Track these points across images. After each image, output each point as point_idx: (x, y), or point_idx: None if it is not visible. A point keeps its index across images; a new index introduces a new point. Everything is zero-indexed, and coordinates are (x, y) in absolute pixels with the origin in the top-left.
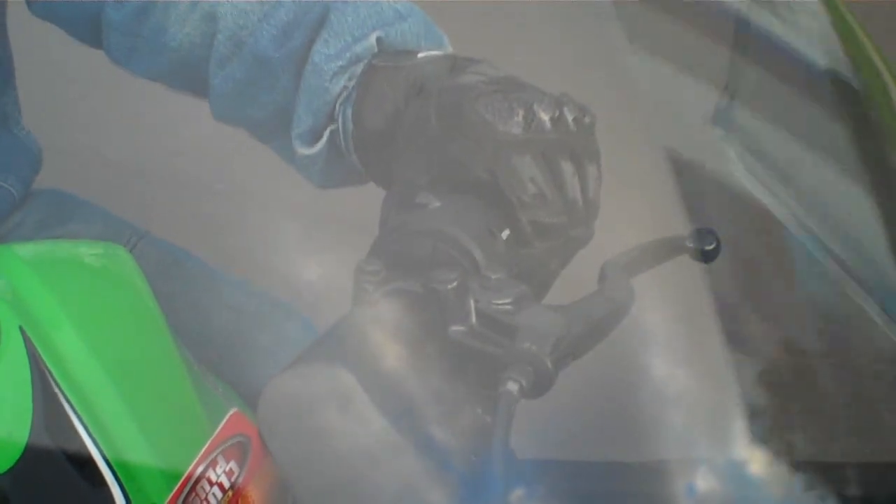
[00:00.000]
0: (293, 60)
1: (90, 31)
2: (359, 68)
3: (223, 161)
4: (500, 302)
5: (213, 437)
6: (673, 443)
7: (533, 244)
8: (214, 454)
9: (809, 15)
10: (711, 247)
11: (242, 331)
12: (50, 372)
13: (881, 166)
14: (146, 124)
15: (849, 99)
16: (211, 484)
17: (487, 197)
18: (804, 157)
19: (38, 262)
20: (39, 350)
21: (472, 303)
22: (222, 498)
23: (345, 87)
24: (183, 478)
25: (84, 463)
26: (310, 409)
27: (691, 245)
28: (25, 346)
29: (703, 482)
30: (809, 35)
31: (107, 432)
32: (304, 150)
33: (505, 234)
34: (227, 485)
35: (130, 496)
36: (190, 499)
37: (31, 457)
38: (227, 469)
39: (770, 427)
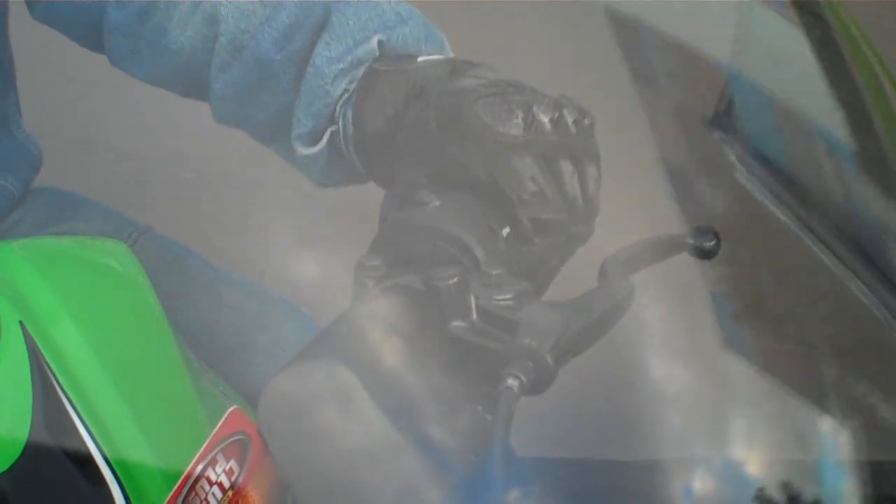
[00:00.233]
0: (294, 63)
1: (91, 34)
2: (360, 71)
3: (223, 160)
4: (500, 298)
5: (212, 434)
6: (672, 441)
7: (533, 241)
8: (214, 452)
9: (809, 15)
10: (711, 244)
11: (243, 329)
12: (50, 368)
13: (881, 166)
14: (146, 124)
15: (848, 100)
16: (211, 483)
17: (487, 196)
18: (804, 158)
19: (37, 257)
20: (39, 346)
21: (472, 299)
22: (222, 498)
23: (345, 90)
24: (182, 477)
25: (83, 461)
26: (309, 408)
27: (691, 242)
28: (25, 341)
29: (701, 481)
30: (809, 35)
31: (106, 430)
32: (304, 151)
33: (505, 231)
34: (227, 484)
35: (130, 495)
36: (190, 498)
37: (31, 455)
38: (227, 468)
39: (769, 426)
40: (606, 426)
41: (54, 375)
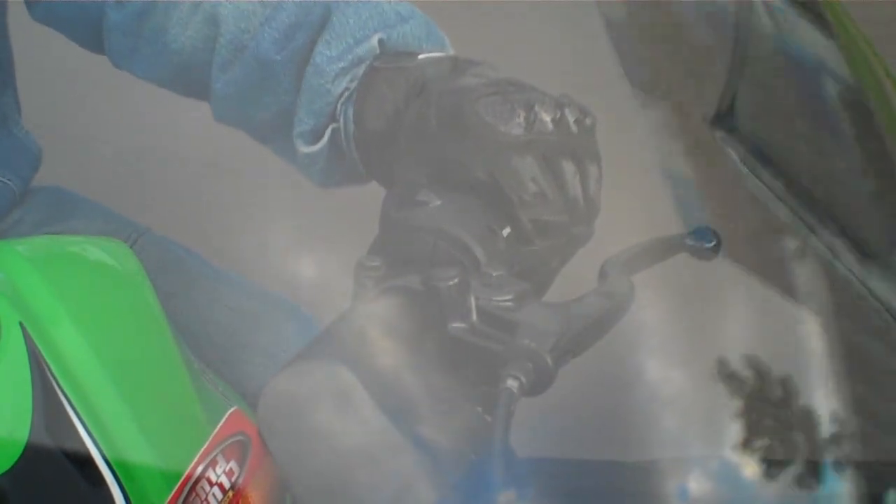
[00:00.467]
0: (295, 62)
1: (91, 34)
2: (360, 70)
3: (223, 161)
4: (500, 299)
5: (212, 435)
6: (672, 442)
7: (534, 242)
8: (214, 453)
9: (809, 15)
10: (711, 244)
11: (243, 329)
12: (50, 369)
13: (882, 166)
14: (146, 124)
15: (849, 100)
16: (211, 484)
17: (488, 196)
18: (804, 157)
19: (37, 257)
20: (39, 346)
21: (472, 300)
22: (223, 498)
23: (346, 88)
24: (183, 477)
25: (83, 462)
26: (309, 408)
27: (691, 243)
28: (25, 341)
29: (700, 482)
30: (809, 35)
31: (106, 431)
32: (305, 149)
33: (506, 232)
34: (227, 485)
35: (130, 496)
36: (190, 499)
37: (31, 456)
38: (228, 469)
39: (769, 426)
40: (606, 427)
41: (54, 376)
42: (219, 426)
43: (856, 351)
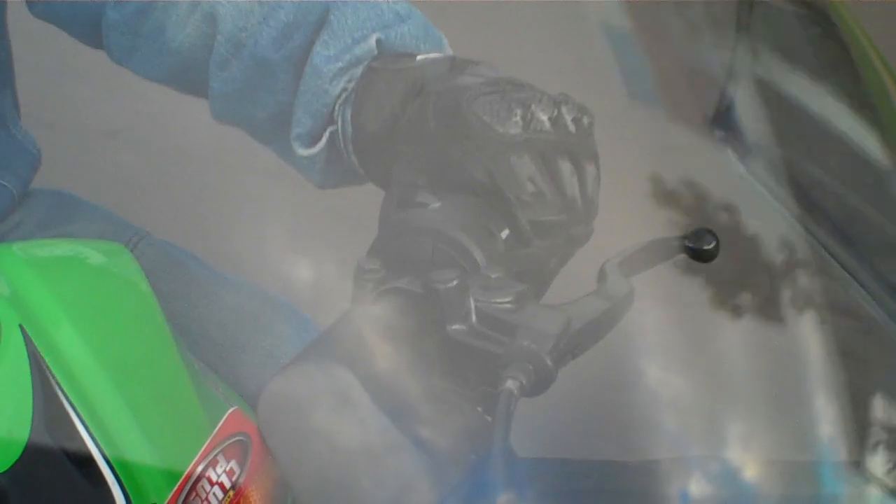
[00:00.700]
0: (292, 61)
1: (91, 32)
2: (358, 70)
3: (222, 161)
4: (499, 301)
5: (212, 435)
6: (671, 442)
7: (532, 243)
8: (214, 453)
9: (810, 14)
10: (710, 246)
11: (243, 331)
12: (50, 370)
13: (882, 166)
14: (146, 125)
15: (850, 99)
16: (211, 484)
17: (486, 197)
18: (805, 157)
19: (37, 260)
20: (39, 348)
21: (471, 302)
22: (223, 498)
23: (344, 89)
24: (183, 477)
25: (84, 462)
26: (309, 408)
27: (690, 245)
28: (25, 344)
29: (700, 482)
30: (809, 35)
31: (107, 431)
32: (303, 151)
33: (504, 233)
34: (227, 485)
35: (130, 496)
36: (190, 498)
37: (32, 456)
38: (228, 469)
39: (769, 426)
40: (606, 427)
41: (54, 378)
42: (219, 426)
43: (854, 354)
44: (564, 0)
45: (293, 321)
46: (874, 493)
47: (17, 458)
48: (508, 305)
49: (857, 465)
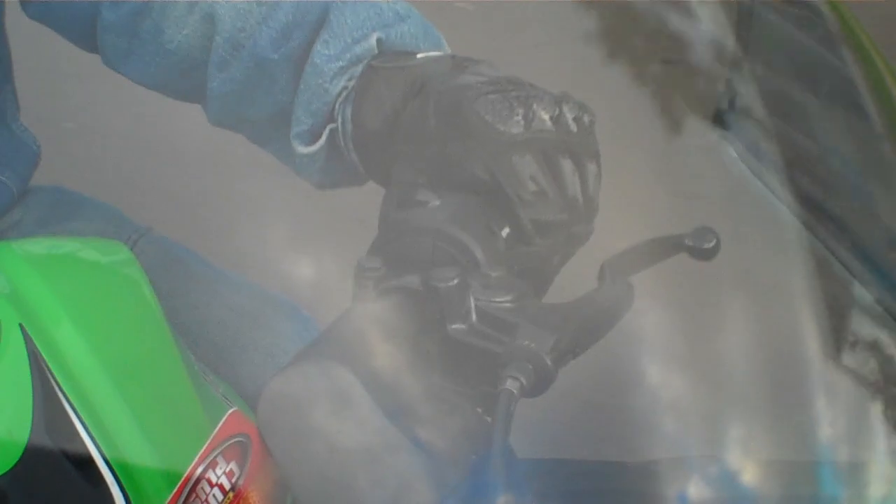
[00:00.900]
0: (292, 61)
1: (85, 33)
2: (358, 69)
3: (223, 159)
4: (500, 300)
5: (212, 436)
6: (671, 442)
7: (533, 242)
8: (214, 454)
9: (810, 14)
10: (711, 245)
11: (243, 329)
12: (50, 370)
13: (882, 166)
14: (146, 124)
15: (849, 99)
16: (211, 485)
17: (487, 195)
18: (805, 157)
19: (37, 258)
20: (39, 347)
21: (472, 301)
22: (223, 499)
23: (344, 88)
24: (183, 478)
25: (84, 463)
26: (309, 408)
27: (691, 243)
28: (25, 343)
29: (700, 482)
30: (810, 35)
31: (107, 432)
32: (303, 149)
33: (505, 232)
34: (227, 486)
35: (130, 496)
36: (190, 500)
37: (31, 457)
38: (228, 470)
39: (769, 427)
40: (606, 427)
41: (54, 377)
42: (218, 427)
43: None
44: (564, 0)
45: (293, 320)
46: (874, 493)
47: (17, 458)
48: (509, 304)
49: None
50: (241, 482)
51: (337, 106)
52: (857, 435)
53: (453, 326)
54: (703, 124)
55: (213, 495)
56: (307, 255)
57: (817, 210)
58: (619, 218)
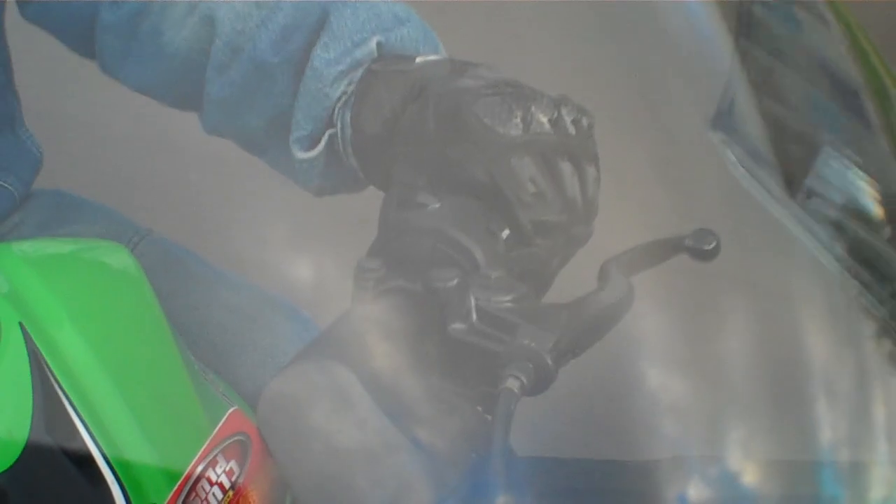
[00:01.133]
0: (292, 64)
1: (83, 36)
2: (358, 73)
3: (223, 160)
4: (500, 300)
5: (212, 435)
6: (671, 442)
7: (533, 243)
8: (214, 453)
9: (810, 16)
10: (711, 246)
11: (243, 330)
12: (50, 369)
13: (882, 167)
14: (147, 124)
15: (849, 100)
16: (211, 484)
17: (487, 197)
18: (804, 158)
19: (37, 259)
20: (39, 347)
21: (472, 300)
22: (223, 498)
23: (344, 92)
24: (183, 477)
25: (84, 462)
26: (309, 408)
27: (691, 244)
28: (25, 342)
29: (700, 482)
30: (810, 36)
31: (106, 431)
32: (302, 155)
33: (505, 233)
34: (227, 485)
35: (130, 495)
36: (190, 498)
37: (31, 455)
38: (228, 469)
39: (769, 427)
40: (606, 427)
41: (54, 377)
42: (219, 426)
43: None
44: (564, 1)
45: (293, 321)
46: (875, 495)
47: (16, 457)
48: (509, 304)
49: None
50: (240, 481)
51: (336, 111)
52: (858, 436)
53: (453, 326)
54: (702, 126)
55: (213, 494)
56: (307, 255)
57: (817, 209)
58: (618, 219)
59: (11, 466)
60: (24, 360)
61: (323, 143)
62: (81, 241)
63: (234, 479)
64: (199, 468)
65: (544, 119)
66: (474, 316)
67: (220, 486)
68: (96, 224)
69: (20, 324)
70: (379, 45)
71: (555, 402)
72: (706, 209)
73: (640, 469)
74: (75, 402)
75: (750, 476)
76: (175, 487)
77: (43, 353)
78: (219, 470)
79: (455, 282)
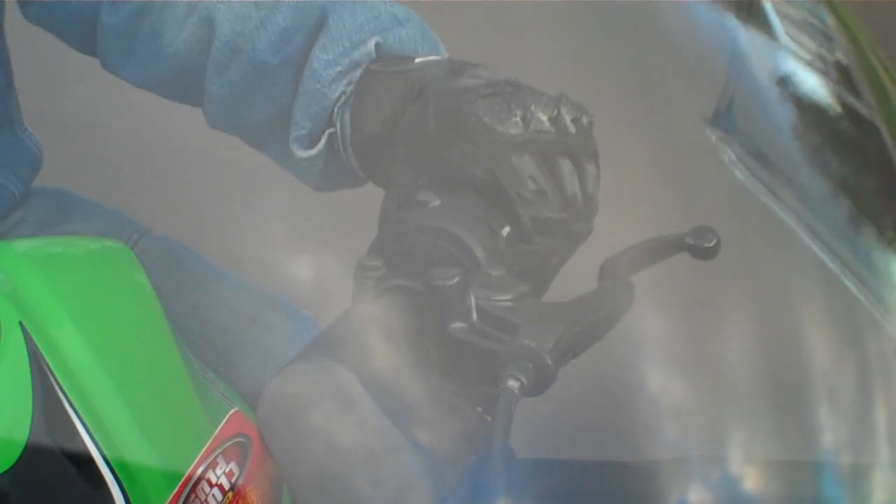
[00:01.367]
0: (291, 65)
1: (85, 36)
2: (357, 74)
3: (223, 158)
4: (500, 299)
5: (212, 437)
6: (672, 443)
7: (533, 240)
8: (214, 455)
9: (810, 15)
10: (711, 244)
11: (243, 329)
12: (50, 369)
13: (881, 166)
14: (147, 123)
15: (850, 99)
16: (211, 485)
17: (487, 195)
18: (804, 158)
19: (38, 258)
20: (39, 346)
21: (472, 300)
22: (222, 500)
23: (343, 93)
24: (183, 479)
25: (84, 463)
26: (309, 408)
27: (691, 242)
28: (25, 342)
29: (700, 483)
30: (810, 35)
31: (106, 432)
32: (302, 153)
33: (505, 231)
34: (227, 486)
35: (130, 496)
36: (190, 500)
37: (31, 456)
38: (227, 470)
39: (769, 428)
40: (606, 427)
41: (54, 376)
42: (219, 427)
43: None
44: (564, 1)
45: (293, 320)
46: (876, 497)
47: (17, 457)
48: (509, 303)
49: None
50: (240, 482)
51: (336, 110)
52: (860, 437)
53: (454, 325)
54: (701, 125)
55: (213, 495)
56: (307, 254)
57: (817, 209)
58: (618, 217)
59: (12, 467)
60: (24, 359)
61: (322, 142)
62: (82, 239)
63: (233, 480)
64: (200, 470)
65: (544, 117)
66: (475, 315)
67: (220, 487)
68: (96, 222)
69: (20, 323)
70: (377, 45)
71: (555, 403)
72: (706, 207)
73: (640, 470)
74: (75, 403)
75: (751, 478)
76: (175, 489)
77: (43, 352)
78: (219, 471)
79: (455, 280)
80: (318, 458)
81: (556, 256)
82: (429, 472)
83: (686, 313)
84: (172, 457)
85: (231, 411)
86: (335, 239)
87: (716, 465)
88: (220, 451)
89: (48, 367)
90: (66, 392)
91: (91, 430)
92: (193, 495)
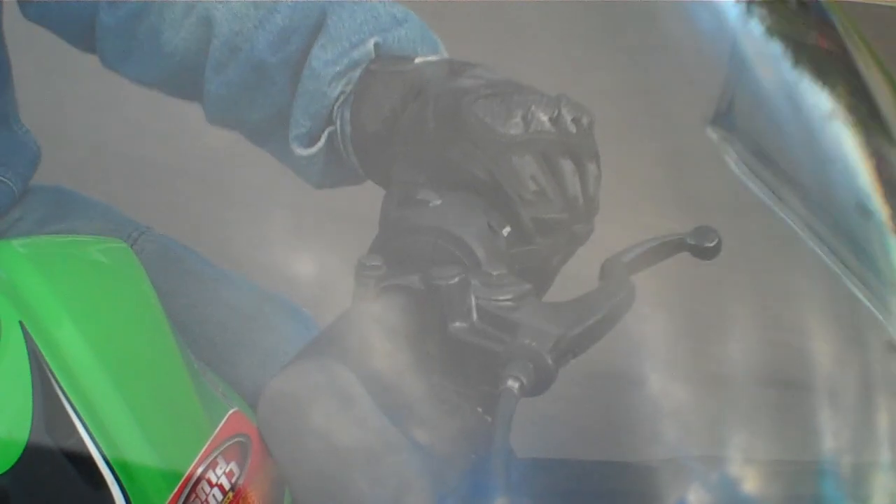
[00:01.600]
0: (290, 65)
1: (84, 34)
2: (356, 73)
3: (223, 157)
4: (500, 298)
5: (212, 437)
6: (672, 443)
7: (534, 240)
8: (214, 455)
9: (808, 15)
10: (712, 244)
11: (243, 329)
12: (50, 368)
13: (881, 165)
14: (146, 123)
15: (850, 99)
16: (211, 485)
17: (488, 196)
18: (804, 157)
19: (37, 256)
20: (39, 346)
21: (472, 299)
22: (223, 499)
23: (342, 92)
24: (183, 478)
25: (84, 463)
26: (309, 407)
27: (692, 242)
28: (25, 341)
29: (701, 483)
30: (808, 35)
31: (106, 431)
32: (302, 151)
33: (506, 230)
34: (227, 486)
35: (130, 496)
36: (190, 500)
37: (31, 456)
38: (228, 470)
39: (769, 428)
40: (606, 427)
41: (54, 376)
42: (219, 427)
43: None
44: (564, 1)
45: (293, 319)
46: (877, 499)
47: (17, 457)
48: (509, 303)
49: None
50: (240, 482)
51: (335, 109)
52: (861, 438)
53: (454, 325)
54: (702, 124)
55: (213, 495)
56: (307, 253)
57: (816, 211)
58: (619, 217)
59: (12, 467)
60: (23, 359)
61: (322, 140)
62: (82, 237)
63: (234, 480)
64: (200, 470)
65: (545, 117)
66: (475, 315)
67: (220, 487)
68: (96, 220)
69: (20, 322)
70: (376, 45)
71: (555, 403)
72: (707, 207)
73: (640, 470)
74: (75, 403)
75: (751, 478)
76: (175, 489)
77: (43, 352)
78: (219, 471)
79: (456, 279)
80: (318, 457)
81: (556, 257)
82: (428, 472)
83: (686, 313)
84: (172, 457)
85: (231, 411)
86: (335, 238)
87: (716, 465)
88: (220, 450)
89: (48, 366)
90: (66, 392)
91: (91, 429)
92: (193, 495)
